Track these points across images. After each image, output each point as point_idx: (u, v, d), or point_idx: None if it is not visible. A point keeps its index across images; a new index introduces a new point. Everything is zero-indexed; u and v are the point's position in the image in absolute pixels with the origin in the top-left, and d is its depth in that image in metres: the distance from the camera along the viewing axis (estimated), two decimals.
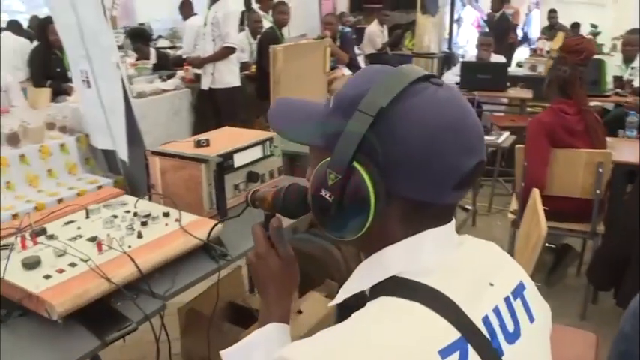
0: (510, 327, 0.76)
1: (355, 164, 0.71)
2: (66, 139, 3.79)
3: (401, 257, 0.76)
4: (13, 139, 3.55)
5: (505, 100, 5.58)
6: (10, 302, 1.38)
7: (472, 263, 0.80)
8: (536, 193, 2.27)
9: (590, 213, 2.93)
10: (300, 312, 2.31)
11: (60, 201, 3.31)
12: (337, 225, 0.76)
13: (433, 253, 0.76)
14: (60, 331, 1.31)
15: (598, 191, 2.90)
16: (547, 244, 2.06)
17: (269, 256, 0.97)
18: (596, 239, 3.02)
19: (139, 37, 6.05)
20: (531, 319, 0.80)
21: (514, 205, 3.28)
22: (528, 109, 5.37)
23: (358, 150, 0.71)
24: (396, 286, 0.73)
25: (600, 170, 2.86)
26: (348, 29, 8.01)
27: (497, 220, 4.33)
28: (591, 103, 3.60)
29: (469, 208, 4.36)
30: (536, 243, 1.94)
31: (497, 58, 5.71)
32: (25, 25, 7.78)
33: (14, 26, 7.37)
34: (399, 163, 0.71)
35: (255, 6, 7.75)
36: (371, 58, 8.56)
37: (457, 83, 5.14)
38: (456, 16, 10.33)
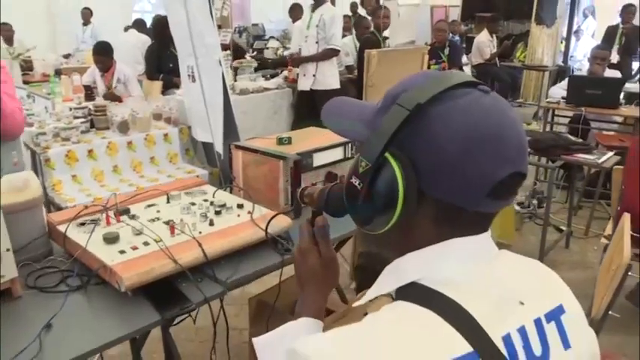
0: (537, 350, 0.73)
1: (387, 155, 0.72)
2: (169, 130, 4.05)
3: (421, 265, 0.76)
4: (124, 127, 3.85)
5: (617, 119, 5.22)
6: (90, 271, 1.53)
7: (504, 279, 0.77)
8: (626, 217, 2.13)
9: None
10: (366, 314, 2.31)
11: None
12: (364, 215, 0.77)
13: (459, 264, 0.75)
14: (128, 302, 1.43)
15: None
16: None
17: (310, 252, 1.01)
18: None
19: None
20: (566, 345, 0.76)
21: (609, 229, 3.08)
22: None
23: (391, 141, 0.72)
24: (413, 293, 0.74)
25: None
26: (457, 38, 7.86)
27: (594, 244, 4.05)
28: None
29: (563, 228, 4.13)
30: (618, 270, 1.82)
31: (612, 74, 5.36)
32: (149, 23, 8.37)
33: (139, 24, 7.96)
34: (432, 161, 0.71)
35: (361, 11, 7.83)
36: (478, 69, 8.34)
37: (563, 98, 4.89)
38: (575, 28, 9.80)
